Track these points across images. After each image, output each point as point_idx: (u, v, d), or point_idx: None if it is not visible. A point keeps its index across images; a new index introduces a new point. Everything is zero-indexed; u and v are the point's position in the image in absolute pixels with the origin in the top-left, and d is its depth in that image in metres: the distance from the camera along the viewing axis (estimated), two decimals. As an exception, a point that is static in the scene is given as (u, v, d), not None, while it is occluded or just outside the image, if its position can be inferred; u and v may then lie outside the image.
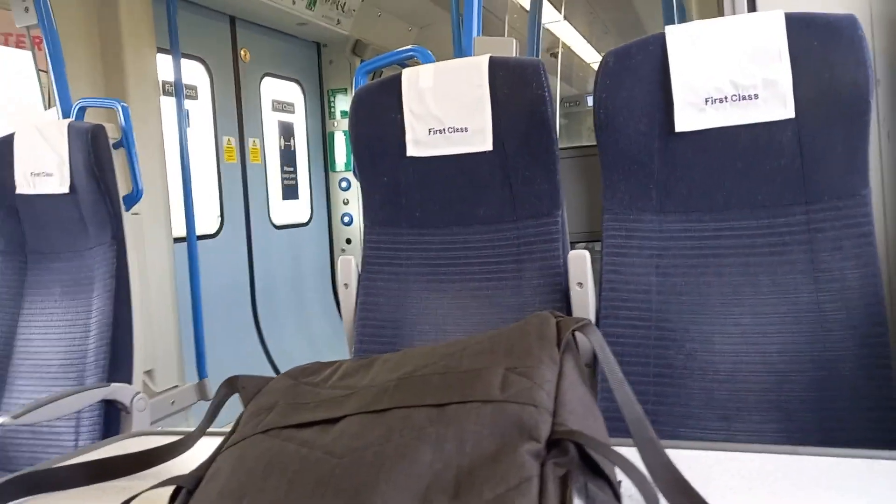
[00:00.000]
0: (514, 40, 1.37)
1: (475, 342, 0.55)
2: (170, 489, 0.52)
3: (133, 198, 1.82)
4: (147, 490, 0.53)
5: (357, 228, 4.39)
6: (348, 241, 4.40)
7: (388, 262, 1.34)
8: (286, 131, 4.16)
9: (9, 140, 1.67)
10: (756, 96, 1.05)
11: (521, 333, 0.54)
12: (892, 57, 1.16)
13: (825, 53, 1.01)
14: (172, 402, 2.56)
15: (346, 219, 4.39)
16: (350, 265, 1.35)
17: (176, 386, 2.64)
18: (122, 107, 1.83)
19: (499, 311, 1.24)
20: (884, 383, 0.97)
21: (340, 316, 4.44)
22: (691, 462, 0.60)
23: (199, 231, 2.96)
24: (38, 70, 2.20)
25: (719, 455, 0.62)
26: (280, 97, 4.11)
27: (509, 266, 1.25)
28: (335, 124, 4.42)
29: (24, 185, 1.63)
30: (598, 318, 1.14)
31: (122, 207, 1.62)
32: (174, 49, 2.82)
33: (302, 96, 4.26)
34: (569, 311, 1.16)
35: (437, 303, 1.29)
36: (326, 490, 0.43)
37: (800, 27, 1.03)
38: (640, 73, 1.11)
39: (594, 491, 0.44)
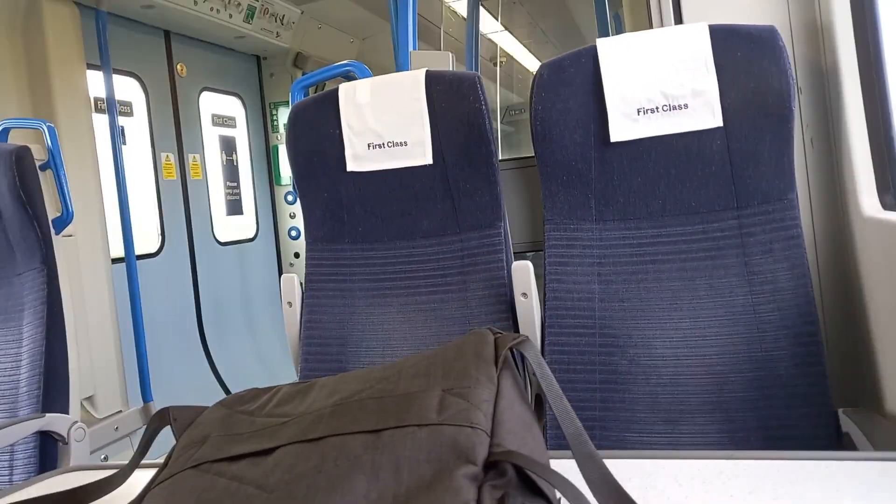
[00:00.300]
0: (451, 53, 1.37)
1: (412, 364, 0.54)
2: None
3: (63, 220, 1.76)
4: (72, 535, 0.50)
5: (305, 242, 4.33)
6: (296, 255, 4.34)
7: (332, 279, 1.32)
8: (228, 146, 4.09)
9: (-72, 164, 1.59)
10: (686, 106, 1.08)
11: (458, 353, 0.54)
12: (812, 65, 1.21)
13: (749, 63, 1.05)
14: (116, 428, 2.48)
15: (294, 233, 4.33)
16: (293, 283, 1.33)
17: (120, 411, 2.55)
18: (48, 127, 1.76)
19: (445, 323, 1.24)
20: (818, 381, 1.00)
21: (288, 333, 4.33)
22: (631, 472, 0.61)
23: (138, 251, 2.87)
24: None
25: (658, 463, 0.63)
26: (220, 111, 4.03)
27: (454, 278, 1.25)
28: (279, 137, 4.36)
29: (-53, 210, 1.56)
30: (542, 328, 1.15)
31: (52, 231, 1.56)
32: (105, 65, 2.74)
33: (243, 110, 4.20)
34: (514, 322, 1.17)
35: (382, 318, 1.28)
36: (258, 526, 0.42)
37: (724, 38, 1.06)
38: (574, 85, 1.13)
39: (532, 511, 0.44)
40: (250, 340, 3.98)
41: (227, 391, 3.55)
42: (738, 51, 1.05)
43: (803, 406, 1.00)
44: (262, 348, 4.03)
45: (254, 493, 0.44)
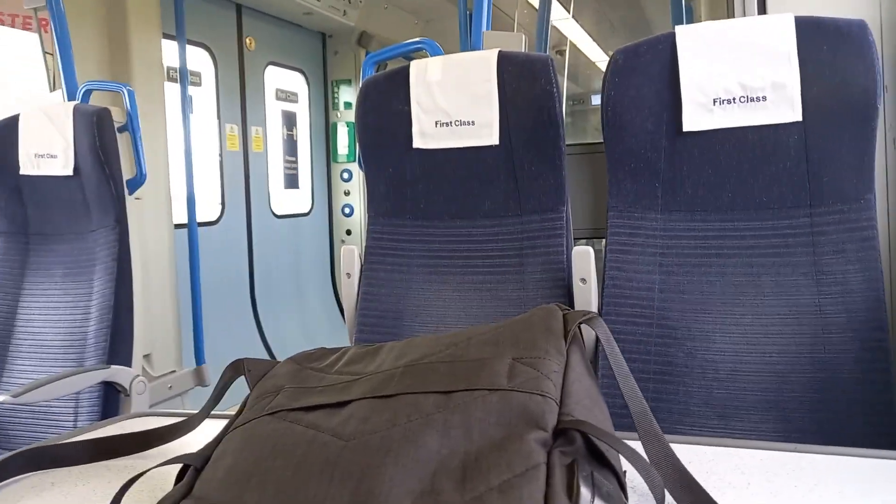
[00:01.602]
0: (524, 35, 1.37)
1: (480, 332, 0.55)
2: (175, 468, 0.52)
3: (136, 182, 1.82)
4: (155, 467, 0.53)
5: (358, 220, 4.38)
6: (348, 233, 4.40)
7: (391, 253, 1.34)
8: (289, 121, 4.15)
9: (13, 121, 1.67)
10: (764, 98, 1.05)
11: (526, 325, 0.55)
12: (900, 63, 1.17)
13: (834, 58, 1.02)
14: (170, 387, 2.57)
15: (347, 210, 4.39)
16: (353, 255, 1.35)
17: (173, 371, 2.64)
18: (128, 91, 1.83)
19: (500, 304, 1.24)
20: (883, 388, 0.97)
21: (339, 306, 4.46)
22: (692, 456, 0.61)
23: (199, 218, 2.95)
24: (45, 52, 2.19)
25: (719, 450, 0.63)
26: (284, 86, 4.10)
27: (512, 260, 1.25)
28: (338, 115, 4.41)
29: (28, 166, 1.63)
30: (600, 315, 1.15)
31: (126, 191, 1.62)
32: (180, 35, 2.81)
33: (306, 86, 4.26)
34: (571, 307, 1.17)
35: (438, 295, 1.30)
36: (333, 472, 0.43)
37: (810, 30, 1.03)
38: (649, 72, 1.11)
39: (600, 480, 0.45)
40: (298, 312, 4.07)
41: (274, 359, 3.63)
42: (825, 44, 1.02)
43: (864, 412, 0.98)
44: (310, 321, 4.11)
45: (330, 440, 0.46)
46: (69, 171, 1.57)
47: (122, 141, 1.70)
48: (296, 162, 4.21)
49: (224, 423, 0.57)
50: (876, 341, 0.99)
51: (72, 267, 1.57)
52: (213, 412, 0.67)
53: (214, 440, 0.53)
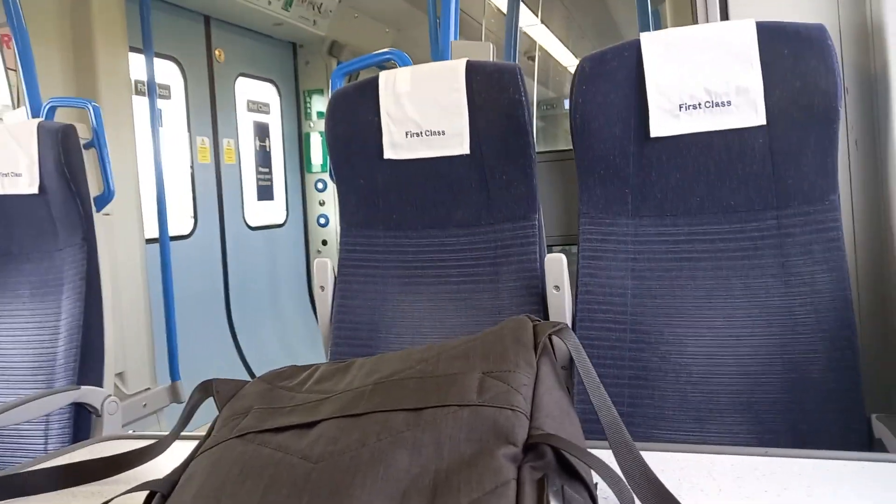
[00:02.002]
0: (491, 44, 1.37)
1: (451, 347, 0.55)
2: (143, 494, 0.51)
3: (104, 198, 1.79)
4: (121, 494, 0.52)
5: (333, 230, 4.37)
6: (324, 243, 4.38)
7: (365, 265, 1.33)
8: (261, 132, 4.13)
9: (-24, 139, 1.64)
10: (729, 103, 1.07)
11: (497, 338, 0.55)
12: (860, 66, 1.19)
13: (795, 62, 1.03)
14: (144, 405, 2.53)
15: (322, 220, 4.37)
16: (326, 267, 1.35)
17: (148, 388, 2.60)
18: (94, 107, 1.80)
19: (475, 313, 1.24)
20: (852, 385, 0.99)
21: (316, 318, 4.42)
22: (664, 464, 0.61)
23: (171, 232, 2.92)
24: (7, 69, 2.16)
25: (690, 457, 0.63)
26: (255, 97, 4.07)
27: (486, 269, 1.25)
28: (311, 125, 4.39)
29: (-7, 184, 1.60)
30: (574, 321, 1.15)
31: (93, 208, 1.60)
32: (147, 48, 2.79)
33: (277, 97, 4.23)
34: (545, 314, 1.17)
35: (413, 305, 1.29)
36: (302, 495, 0.43)
37: (771, 35, 1.05)
38: (616, 79, 1.12)
39: (570, 494, 0.45)
40: (275, 325, 4.03)
41: (251, 374, 3.60)
42: (785, 48, 1.04)
43: (836, 410, 0.99)
44: (287, 333, 4.08)
45: (298, 462, 0.45)
46: (34, 190, 1.54)
47: (90, 157, 1.67)
48: (269, 173, 4.18)
49: (195, 444, 0.56)
50: (844, 340, 1.00)
51: (39, 287, 1.54)
52: (183, 433, 0.66)
53: (182, 464, 0.52)
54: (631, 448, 0.51)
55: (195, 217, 3.48)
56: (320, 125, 4.35)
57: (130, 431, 2.48)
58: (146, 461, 0.68)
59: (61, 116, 1.86)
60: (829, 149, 1.04)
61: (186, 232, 3.44)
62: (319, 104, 4.37)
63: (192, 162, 3.47)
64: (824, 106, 1.03)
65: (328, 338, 1.35)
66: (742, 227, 1.08)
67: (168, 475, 0.51)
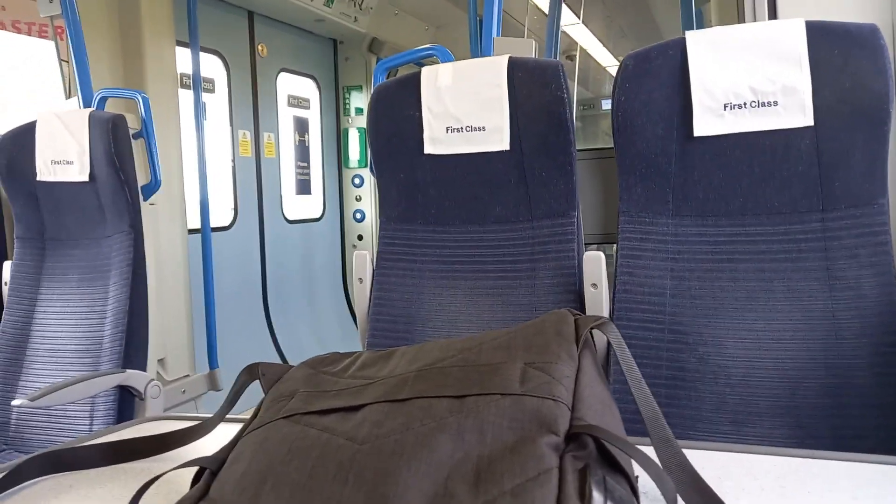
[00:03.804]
0: (534, 41, 1.37)
1: (493, 337, 0.55)
2: (191, 471, 0.53)
3: (151, 188, 1.84)
4: (171, 470, 0.54)
5: (369, 225, 4.40)
6: (360, 238, 4.41)
7: (403, 258, 1.35)
8: (301, 126, 4.18)
9: (30, 128, 1.69)
10: (775, 103, 1.05)
11: (538, 330, 0.55)
12: (913, 67, 1.16)
13: (845, 62, 1.02)
14: (183, 391, 2.59)
15: (359, 215, 4.41)
16: (365, 260, 1.36)
17: (187, 375, 2.66)
18: (143, 98, 1.85)
19: (512, 310, 1.25)
20: None
21: (351, 311, 4.46)
22: (704, 462, 0.61)
23: (213, 223, 2.97)
24: (61, 60, 2.22)
25: (731, 456, 0.63)
26: (296, 92, 4.12)
27: (524, 265, 1.25)
28: (349, 121, 4.43)
29: (45, 172, 1.65)
30: (611, 320, 1.15)
31: (140, 197, 1.64)
32: (193, 42, 2.84)
33: (317, 92, 4.28)
34: (582, 312, 1.17)
35: (450, 300, 1.30)
36: (348, 475, 0.44)
37: (820, 35, 1.03)
38: (660, 77, 1.12)
39: (612, 485, 0.45)
40: (310, 317, 4.08)
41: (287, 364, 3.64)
42: (835, 48, 1.02)
43: (879, 417, 0.97)
44: (322, 325, 4.13)
45: (344, 444, 0.46)
46: (85, 177, 1.59)
47: (137, 147, 1.72)
48: (308, 167, 4.23)
49: (238, 426, 0.57)
50: (890, 346, 0.98)
51: (87, 272, 1.59)
52: (227, 416, 0.68)
53: (230, 443, 0.54)
54: (672, 443, 0.51)
55: (235, 209, 3.54)
56: (359, 121, 4.39)
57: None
58: (191, 441, 0.70)
59: (111, 107, 1.91)
60: (878, 151, 1.02)
61: (227, 223, 3.50)
62: (358, 100, 4.40)
63: (234, 155, 3.53)
64: (874, 107, 1.00)
65: (365, 329, 1.36)
66: (786, 230, 1.06)
67: (217, 452, 0.52)
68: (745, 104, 1.07)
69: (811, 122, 1.03)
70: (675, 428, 1.06)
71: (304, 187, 4.20)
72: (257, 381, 0.64)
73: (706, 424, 1.05)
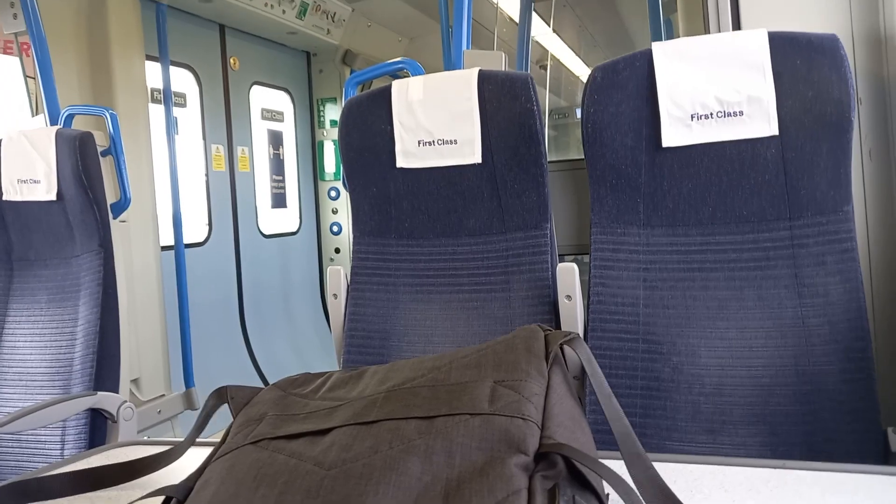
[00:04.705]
0: (503, 54, 1.38)
1: (462, 356, 0.55)
2: (159, 499, 0.52)
3: (121, 205, 1.82)
4: (137, 500, 0.53)
5: (346, 238, 4.38)
6: (337, 251, 4.39)
7: (377, 273, 1.34)
8: (275, 140, 4.16)
9: (-5, 146, 1.66)
10: (741, 113, 1.07)
11: (508, 347, 0.55)
12: (873, 76, 1.19)
13: (808, 72, 1.03)
14: (159, 412, 2.55)
15: (335, 228, 4.39)
16: (339, 276, 1.35)
17: (163, 395, 2.62)
18: (111, 114, 1.82)
19: (487, 322, 1.25)
20: (867, 397, 0.98)
21: (329, 326, 4.43)
22: (676, 475, 0.61)
23: (186, 239, 2.94)
24: (26, 76, 2.19)
25: (703, 468, 0.63)
26: (269, 105, 4.11)
27: (498, 278, 1.25)
28: (324, 133, 4.42)
29: (11, 191, 1.62)
30: (585, 331, 1.15)
31: (110, 215, 1.62)
32: (163, 56, 2.82)
33: (291, 105, 4.27)
34: (557, 324, 1.17)
35: (425, 314, 1.30)
36: (315, 501, 0.43)
37: (783, 45, 1.05)
38: (628, 89, 1.13)
39: None
40: (289, 332, 4.05)
41: (265, 381, 3.61)
42: (798, 58, 1.04)
43: (851, 422, 0.99)
44: (300, 341, 4.10)
45: (312, 469, 0.46)
46: (52, 196, 1.57)
47: (106, 164, 1.70)
48: (283, 181, 4.20)
49: (209, 450, 0.56)
50: (859, 352, 0.99)
51: (56, 293, 1.56)
52: (198, 440, 0.67)
53: (197, 470, 0.53)
54: (643, 459, 0.51)
55: (210, 224, 3.51)
56: (333, 133, 4.38)
57: (146, 438, 2.50)
58: (162, 467, 0.69)
59: (78, 124, 1.88)
60: (842, 159, 1.03)
61: (201, 239, 3.47)
62: (333, 112, 4.40)
63: (207, 170, 3.50)
64: (837, 116, 1.02)
65: (341, 346, 1.36)
66: (755, 238, 1.08)
67: (184, 481, 0.52)
68: (711, 114, 1.08)
69: (776, 132, 1.05)
70: (651, 438, 1.07)
71: (279, 201, 4.18)
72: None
73: (681, 434, 1.05)
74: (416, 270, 1.32)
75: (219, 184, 3.58)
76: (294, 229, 4.24)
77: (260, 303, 3.83)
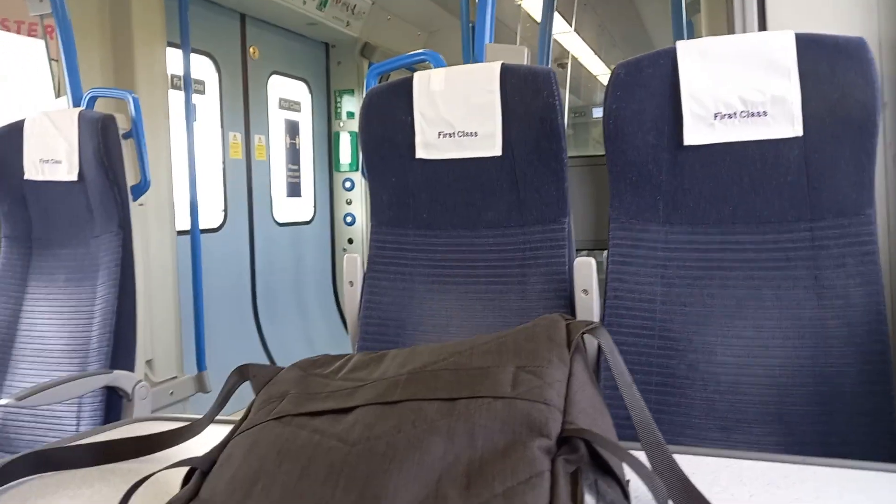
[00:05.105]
0: (526, 48, 1.38)
1: (484, 341, 0.55)
2: (181, 471, 0.52)
3: (140, 188, 1.83)
4: (162, 469, 0.53)
5: (359, 229, 4.40)
6: (350, 241, 4.41)
7: (394, 262, 1.35)
8: (292, 129, 4.18)
9: (18, 126, 1.68)
10: (765, 113, 1.06)
11: (530, 334, 0.55)
12: (900, 80, 1.18)
13: (834, 74, 1.03)
14: (171, 393, 2.57)
15: (349, 219, 4.40)
16: (356, 263, 1.36)
17: (175, 377, 2.64)
18: (133, 98, 1.84)
19: (502, 314, 1.25)
20: (884, 400, 0.98)
21: (340, 315, 4.45)
22: (694, 468, 0.61)
23: (202, 225, 2.96)
24: (50, 59, 2.21)
25: (721, 461, 0.63)
26: (287, 95, 4.12)
27: (514, 271, 1.26)
28: (341, 125, 4.43)
29: (33, 171, 1.64)
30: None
31: (130, 197, 1.63)
32: (184, 43, 2.83)
33: (309, 95, 4.28)
34: (573, 318, 1.17)
35: (440, 304, 1.30)
36: (339, 477, 0.44)
37: (810, 47, 1.04)
38: (650, 86, 1.13)
39: (604, 488, 0.45)
40: (300, 320, 4.07)
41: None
42: (824, 60, 1.03)
43: (867, 424, 0.98)
44: (311, 328, 4.12)
45: (335, 445, 0.46)
46: (73, 177, 1.58)
47: (127, 147, 1.71)
48: (298, 170, 4.22)
49: (228, 428, 0.57)
50: (877, 354, 0.99)
51: (75, 272, 1.58)
52: (217, 417, 0.68)
53: (220, 444, 0.53)
54: (662, 448, 0.51)
55: (225, 211, 3.53)
56: (350, 125, 4.39)
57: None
58: (181, 442, 0.69)
59: (101, 107, 1.90)
60: (865, 162, 1.03)
61: (216, 225, 3.49)
62: (350, 104, 4.41)
63: (224, 157, 3.52)
64: (862, 119, 1.02)
65: (356, 333, 1.36)
66: (775, 238, 1.07)
67: (207, 453, 0.52)
68: (734, 114, 1.08)
69: (800, 133, 1.04)
70: (665, 434, 1.06)
71: (294, 190, 4.19)
72: (246, 382, 0.64)
73: (696, 431, 1.05)
74: (433, 261, 1.32)
75: (235, 171, 3.60)
76: (308, 219, 4.26)
77: (272, 290, 3.85)
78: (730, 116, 1.08)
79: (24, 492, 0.62)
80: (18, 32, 2.51)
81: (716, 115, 1.09)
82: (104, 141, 1.57)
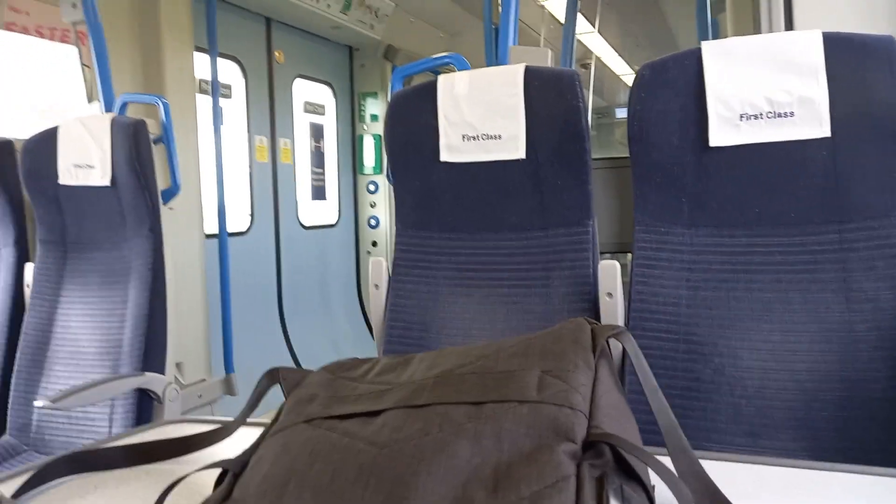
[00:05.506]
0: (550, 51, 1.38)
1: (510, 345, 0.56)
2: (214, 473, 0.54)
3: (171, 192, 1.86)
4: (196, 471, 0.55)
5: (383, 231, 4.42)
6: (374, 244, 4.43)
7: (418, 265, 1.36)
8: (316, 133, 4.21)
9: (53, 132, 1.72)
10: (792, 114, 1.05)
11: (555, 338, 0.56)
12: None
13: (862, 74, 1.02)
14: (200, 395, 2.61)
15: (373, 222, 4.43)
16: (381, 266, 1.37)
17: (203, 380, 2.68)
18: (164, 103, 1.87)
19: (526, 318, 1.25)
20: None
21: (364, 317, 4.47)
22: (719, 474, 0.61)
23: (229, 229, 3.00)
24: (83, 65, 2.26)
25: (746, 467, 0.63)
26: (311, 99, 4.16)
27: (538, 274, 1.26)
28: (365, 127, 4.46)
29: (67, 176, 1.68)
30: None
31: (160, 201, 1.66)
32: (212, 48, 2.88)
33: (333, 99, 4.31)
34: (597, 321, 1.17)
35: (465, 307, 1.31)
36: (369, 478, 0.45)
37: (838, 47, 1.03)
38: (676, 87, 1.12)
39: (629, 493, 0.45)
40: (324, 323, 4.10)
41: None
42: (853, 60, 1.02)
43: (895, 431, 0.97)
44: (335, 331, 4.15)
45: (365, 448, 0.47)
46: (107, 182, 1.62)
47: (157, 152, 1.74)
48: (323, 173, 4.26)
49: (258, 430, 0.58)
50: None
51: (108, 275, 1.61)
52: (247, 420, 0.69)
53: (252, 446, 0.55)
54: (688, 453, 0.51)
55: (252, 214, 3.57)
56: (374, 128, 4.42)
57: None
58: (213, 444, 0.71)
59: (130, 112, 1.93)
60: (895, 163, 1.01)
61: (243, 229, 3.53)
62: (373, 107, 4.43)
63: (251, 160, 3.56)
64: (891, 119, 1.00)
65: (381, 335, 1.37)
66: (802, 241, 1.06)
67: (239, 455, 0.53)
68: (761, 115, 1.07)
69: (828, 134, 1.03)
70: (690, 439, 1.05)
71: (319, 193, 4.23)
72: (275, 385, 0.65)
73: (721, 436, 1.05)
74: (457, 264, 1.33)
75: (261, 175, 3.64)
76: (333, 222, 4.29)
77: (298, 293, 3.89)
78: (756, 117, 1.07)
79: (62, 492, 0.64)
80: (52, 39, 2.57)
81: (742, 116, 1.08)
82: (136, 146, 1.61)
